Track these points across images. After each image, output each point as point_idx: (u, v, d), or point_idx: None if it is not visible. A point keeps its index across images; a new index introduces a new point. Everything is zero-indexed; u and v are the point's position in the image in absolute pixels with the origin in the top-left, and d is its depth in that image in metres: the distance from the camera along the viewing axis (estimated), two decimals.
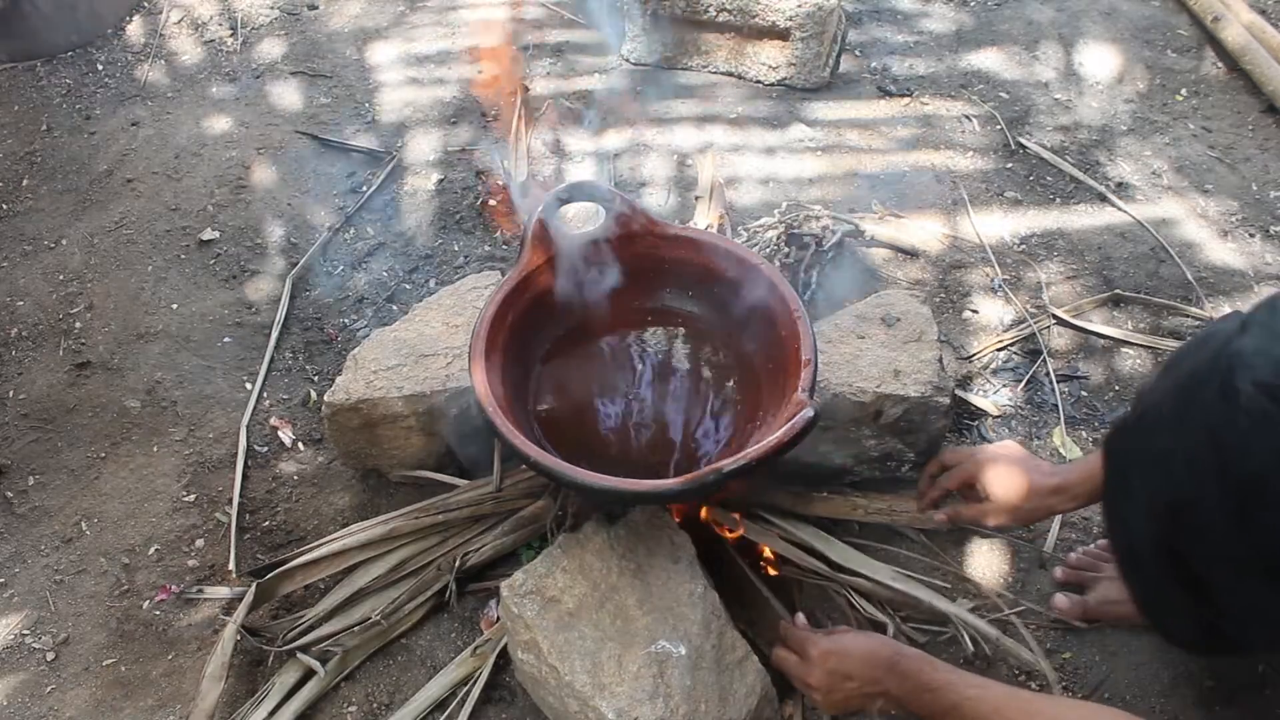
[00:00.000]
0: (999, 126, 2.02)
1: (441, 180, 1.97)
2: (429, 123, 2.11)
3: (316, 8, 2.46)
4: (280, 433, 1.54)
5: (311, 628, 1.23)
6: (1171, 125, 2.01)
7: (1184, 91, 2.10)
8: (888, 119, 2.06)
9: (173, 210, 1.93)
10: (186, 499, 1.46)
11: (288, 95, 2.21)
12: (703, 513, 1.30)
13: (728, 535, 1.28)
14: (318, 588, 1.31)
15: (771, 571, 1.28)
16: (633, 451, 1.24)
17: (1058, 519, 1.35)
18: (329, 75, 2.25)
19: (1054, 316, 1.63)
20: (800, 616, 1.19)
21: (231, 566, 1.36)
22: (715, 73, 2.20)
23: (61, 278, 1.82)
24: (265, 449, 1.52)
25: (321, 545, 1.29)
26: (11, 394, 1.63)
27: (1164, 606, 1.00)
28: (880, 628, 1.23)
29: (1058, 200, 1.87)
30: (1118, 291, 1.67)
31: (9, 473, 1.51)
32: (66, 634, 1.31)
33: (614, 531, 1.17)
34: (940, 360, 1.34)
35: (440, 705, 1.19)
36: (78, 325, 1.73)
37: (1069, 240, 1.79)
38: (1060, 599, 1.25)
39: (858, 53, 2.24)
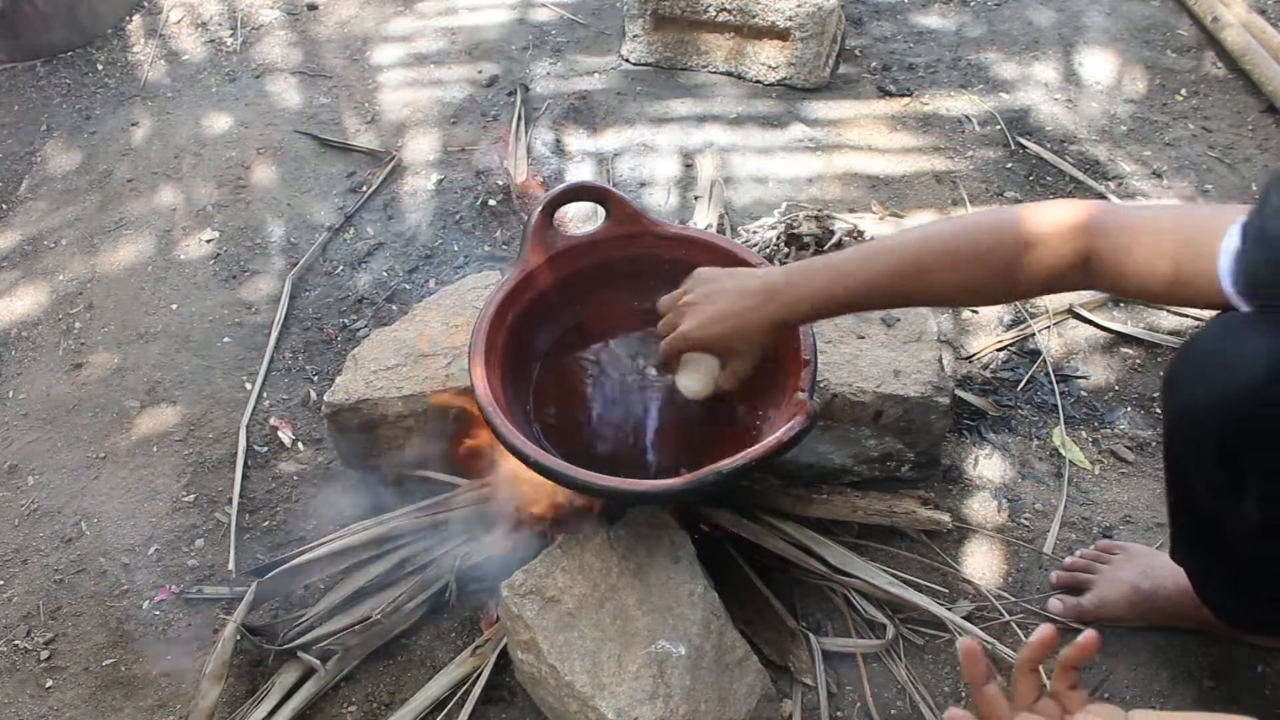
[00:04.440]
0: (999, 126, 2.02)
1: (441, 180, 1.97)
2: (429, 123, 2.11)
3: (316, 8, 2.46)
4: (280, 433, 1.54)
5: (311, 627, 1.23)
6: (1171, 125, 2.01)
7: (1184, 91, 2.10)
8: (888, 119, 2.06)
9: (173, 210, 1.93)
10: (186, 499, 1.46)
11: (288, 95, 2.21)
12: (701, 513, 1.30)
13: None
14: (318, 587, 1.31)
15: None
16: (632, 451, 1.24)
17: (1057, 519, 1.36)
18: (329, 75, 2.25)
19: (1071, 312, 1.63)
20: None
21: (231, 566, 1.36)
22: (715, 73, 2.20)
23: (61, 277, 1.82)
24: (265, 449, 1.52)
25: (321, 545, 1.29)
26: (11, 394, 1.63)
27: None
28: (879, 629, 1.23)
29: None
30: None
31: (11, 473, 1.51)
32: (66, 634, 1.31)
33: (614, 531, 1.17)
34: (940, 360, 1.34)
35: (440, 705, 1.19)
36: (78, 325, 1.73)
37: None
38: (1054, 603, 1.25)
39: (858, 53, 2.24)
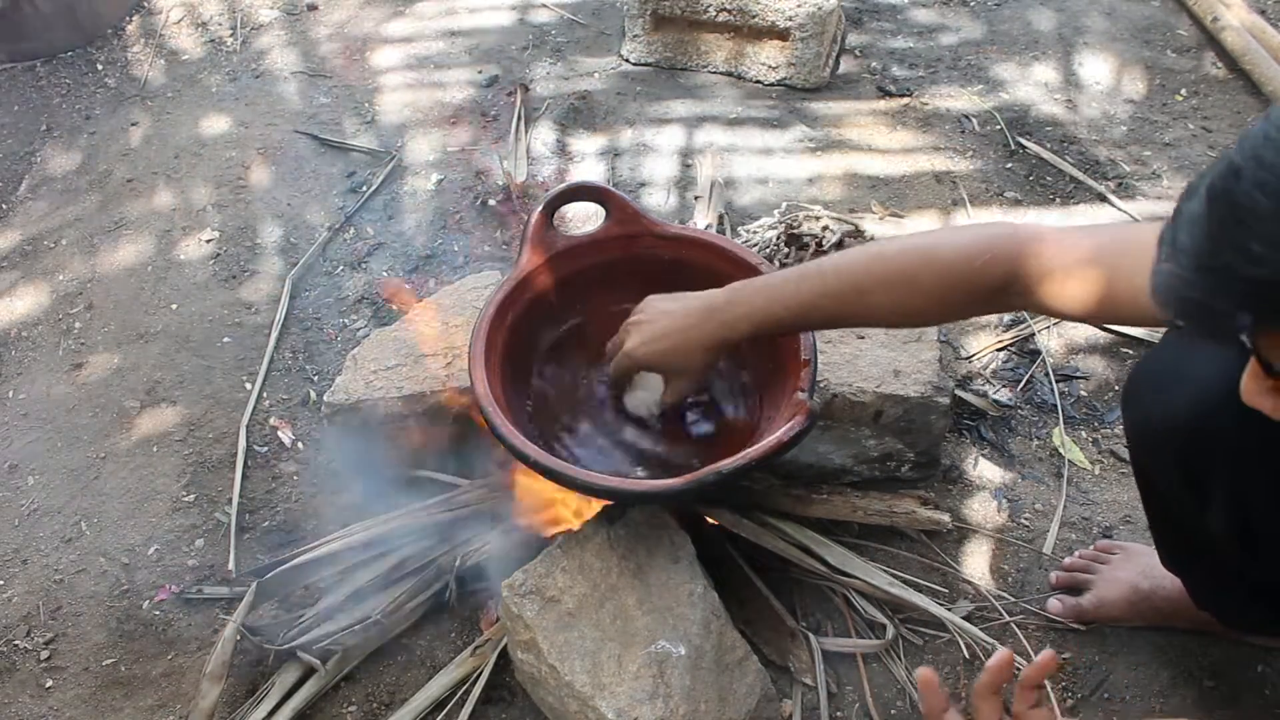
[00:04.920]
0: (999, 126, 2.02)
1: (441, 180, 1.97)
2: (429, 123, 2.11)
3: (316, 8, 2.46)
4: (280, 433, 1.54)
5: (311, 627, 1.23)
6: (1171, 125, 2.01)
7: (1184, 91, 2.10)
8: (888, 119, 2.06)
9: (172, 210, 1.93)
10: (186, 499, 1.46)
11: (288, 95, 2.21)
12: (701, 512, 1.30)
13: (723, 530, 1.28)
14: (318, 587, 1.31)
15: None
16: (632, 451, 1.24)
17: (1057, 519, 1.35)
18: (329, 75, 2.25)
19: None
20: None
21: (231, 566, 1.36)
22: (715, 73, 2.20)
23: (61, 277, 1.82)
24: (265, 449, 1.52)
25: (321, 545, 1.29)
26: (11, 394, 1.63)
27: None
28: (879, 629, 1.23)
29: (1058, 200, 1.87)
30: None
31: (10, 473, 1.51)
32: (66, 634, 1.31)
33: (614, 531, 1.17)
34: (940, 360, 1.34)
35: (440, 705, 1.19)
36: (78, 325, 1.73)
37: None
38: (1054, 603, 1.25)
39: (858, 53, 2.24)
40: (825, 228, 1.71)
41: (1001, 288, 0.90)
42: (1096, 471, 1.43)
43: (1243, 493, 0.85)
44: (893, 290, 0.95)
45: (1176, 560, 1.09)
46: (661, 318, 1.08)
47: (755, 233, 1.72)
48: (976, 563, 1.32)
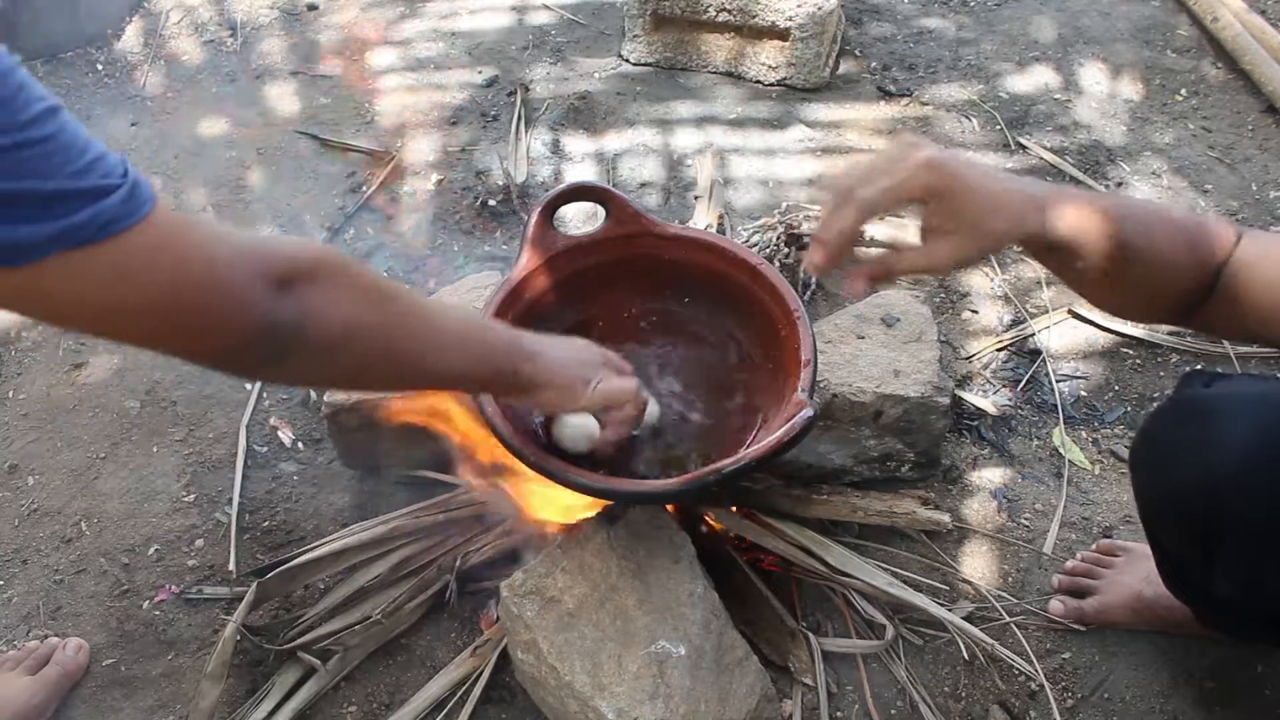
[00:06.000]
0: (999, 126, 2.02)
1: (441, 180, 1.97)
2: (429, 123, 2.11)
3: (316, 8, 2.46)
4: (280, 433, 1.53)
5: (311, 627, 1.23)
6: (1171, 125, 2.01)
7: (1184, 91, 2.10)
8: (888, 119, 2.06)
9: (173, 210, 1.93)
10: (186, 499, 1.46)
11: (288, 95, 2.21)
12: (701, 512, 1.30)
13: (718, 528, 1.28)
14: (318, 588, 1.31)
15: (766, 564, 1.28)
16: (632, 451, 1.24)
17: (1057, 519, 1.35)
18: (329, 75, 2.26)
19: (1071, 312, 1.63)
20: None
21: (231, 566, 1.36)
22: (715, 73, 2.20)
23: None
24: (265, 449, 1.52)
25: (321, 545, 1.29)
26: (11, 394, 1.63)
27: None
28: (879, 629, 1.23)
29: None
30: None
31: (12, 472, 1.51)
32: (66, 634, 1.31)
33: (614, 531, 1.17)
34: (940, 360, 1.34)
35: (440, 705, 1.19)
36: None
37: None
38: (1055, 604, 1.24)
39: (858, 53, 2.24)
40: None
41: (1222, 259, 0.85)
42: (1096, 471, 1.43)
43: (1254, 561, 0.84)
44: (1169, 244, 0.84)
45: (1180, 591, 1.09)
46: (979, 169, 0.84)
47: (755, 232, 1.72)
48: (976, 563, 1.32)
